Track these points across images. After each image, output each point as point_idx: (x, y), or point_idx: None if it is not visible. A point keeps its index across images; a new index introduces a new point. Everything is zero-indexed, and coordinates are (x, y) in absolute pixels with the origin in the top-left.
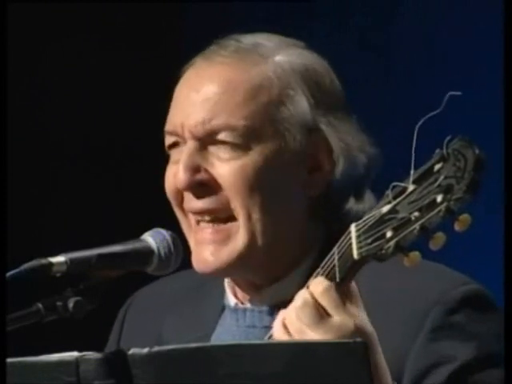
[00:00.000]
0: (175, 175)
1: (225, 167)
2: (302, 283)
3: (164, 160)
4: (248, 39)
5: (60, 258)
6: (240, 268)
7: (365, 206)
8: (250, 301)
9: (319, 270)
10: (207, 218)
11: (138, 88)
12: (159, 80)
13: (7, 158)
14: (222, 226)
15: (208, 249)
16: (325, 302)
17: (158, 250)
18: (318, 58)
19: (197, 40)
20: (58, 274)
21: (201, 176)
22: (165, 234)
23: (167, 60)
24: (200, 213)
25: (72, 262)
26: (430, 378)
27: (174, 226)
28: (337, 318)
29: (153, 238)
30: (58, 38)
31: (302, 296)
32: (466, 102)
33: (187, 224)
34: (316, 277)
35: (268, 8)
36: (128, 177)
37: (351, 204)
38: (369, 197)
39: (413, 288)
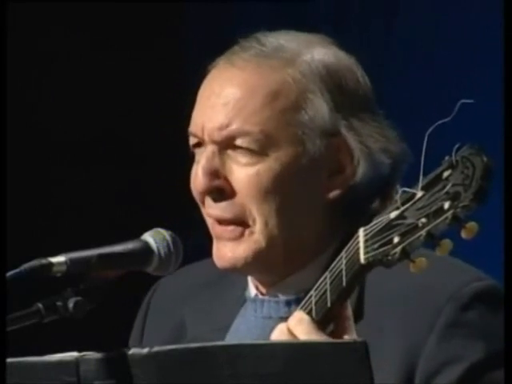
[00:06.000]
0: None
1: (241, 173)
2: (319, 276)
3: (164, 160)
4: (271, 41)
5: (60, 258)
6: (255, 267)
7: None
8: (268, 291)
9: (327, 273)
10: (224, 223)
11: (138, 88)
12: (159, 79)
13: (7, 157)
14: (239, 227)
15: (226, 245)
16: (297, 332)
17: (158, 249)
18: (343, 56)
19: (197, 40)
20: (58, 274)
21: (218, 181)
22: (165, 233)
23: (168, 60)
24: (217, 220)
25: (72, 262)
26: (441, 377)
27: (174, 225)
28: None
29: (153, 238)
30: (57, 37)
31: (279, 327)
32: (469, 107)
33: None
34: (324, 280)
35: (268, 8)
36: (128, 177)
37: (376, 204)
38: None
39: (425, 284)
